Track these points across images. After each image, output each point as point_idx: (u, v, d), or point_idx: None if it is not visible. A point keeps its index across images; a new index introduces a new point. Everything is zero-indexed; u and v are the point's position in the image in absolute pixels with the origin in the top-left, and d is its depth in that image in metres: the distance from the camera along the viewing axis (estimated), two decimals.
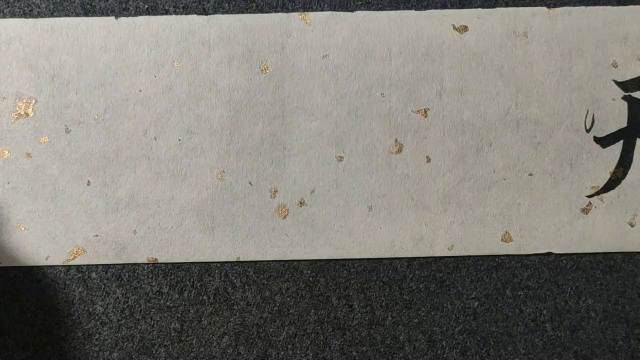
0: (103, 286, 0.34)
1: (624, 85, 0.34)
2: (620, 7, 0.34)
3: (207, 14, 0.33)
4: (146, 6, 0.34)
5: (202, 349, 0.34)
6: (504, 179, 0.34)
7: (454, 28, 0.34)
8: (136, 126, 0.33)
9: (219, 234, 0.34)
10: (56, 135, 0.33)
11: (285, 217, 0.34)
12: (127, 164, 0.33)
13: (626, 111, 0.34)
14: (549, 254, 0.34)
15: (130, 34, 0.33)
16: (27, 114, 0.33)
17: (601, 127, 0.34)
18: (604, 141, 0.34)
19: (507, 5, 0.34)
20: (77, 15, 0.33)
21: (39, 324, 0.34)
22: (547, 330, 0.34)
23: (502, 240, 0.34)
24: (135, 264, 0.34)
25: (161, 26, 0.33)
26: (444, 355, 0.34)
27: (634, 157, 0.34)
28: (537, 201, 0.34)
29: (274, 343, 0.34)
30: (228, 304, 0.34)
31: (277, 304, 0.34)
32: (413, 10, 0.34)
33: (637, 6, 0.34)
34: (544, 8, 0.34)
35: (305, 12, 0.33)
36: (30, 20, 0.33)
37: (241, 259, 0.34)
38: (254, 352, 0.34)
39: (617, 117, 0.34)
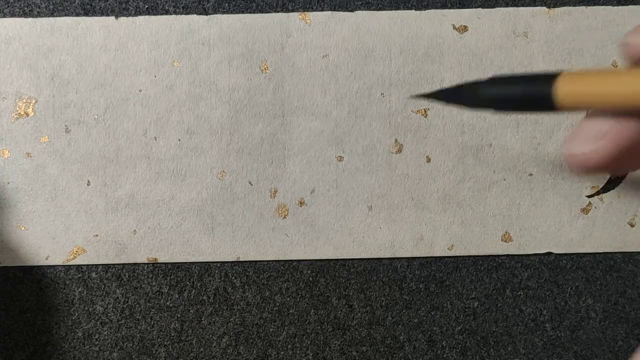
0: (103, 286, 0.34)
1: None
2: (620, 7, 0.34)
3: (207, 14, 0.33)
4: (146, 6, 0.34)
5: (202, 348, 0.34)
6: (504, 179, 0.34)
7: (454, 28, 0.34)
8: (136, 126, 0.33)
9: (219, 234, 0.34)
10: (56, 135, 0.33)
11: (285, 217, 0.34)
12: (127, 164, 0.33)
13: None
14: (549, 254, 0.34)
15: (130, 34, 0.33)
16: (27, 114, 0.33)
17: None
18: None
19: (507, 5, 0.34)
20: (77, 15, 0.33)
21: (39, 324, 0.34)
22: (547, 330, 0.34)
23: (502, 240, 0.34)
24: (135, 264, 0.34)
25: (161, 26, 0.33)
26: (444, 355, 0.34)
27: None
28: (537, 201, 0.34)
29: (273, 343, 0.34)
30: (228, 303, 0.34)
31: (277, 304, 0.34)
32: (413, 10, 0.34)
33: (637, 6, 0.34)
34: (544, 8, 0.34)
35: (305, 12, 0.33)
36: (30, 20, 0.33)
37: (241, 259, 0.34)
38: (254, 351, 0.34)
39: None
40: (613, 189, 0.34)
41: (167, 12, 0.34)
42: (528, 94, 0.25)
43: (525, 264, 0.34)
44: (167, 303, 0.34)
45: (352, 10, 0.34)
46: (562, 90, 0.24)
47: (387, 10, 0.34)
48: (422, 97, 0.30)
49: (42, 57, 0.33)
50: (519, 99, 0.26)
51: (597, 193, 0.34)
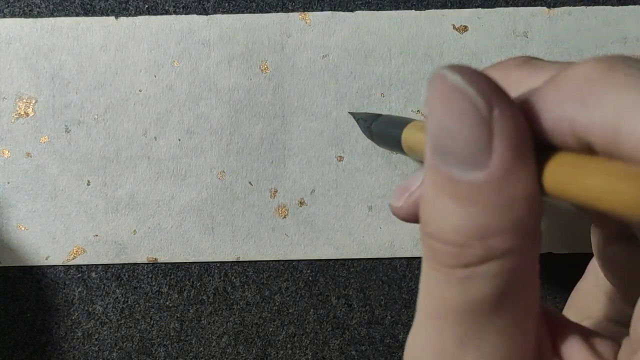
0: (103, 286, 0.34)
1: None
2: (620, 7, 0.34)
3: (207, 14, 0.33)
4: (146, 6, 0.34)
5: (201, 348, 0.34)
6: None
7: (454, 28, 0.34)
8: (136, 126, 0.33)
9: (218, 234, 0.34)
10: (56, 135, 0.33)
11: (285, 217, 0.34)
12: (127, 164, 0.33)
13: None
14: (549, 254, 0.34)
15: (130, 34, 0.33)
16: (27, 114, 0.33)
17: None
18: None
19: (507, 5, 0.34)
20: (77, 15, 0.33)
21: (39, 324, 0.34)
22: None
23: None
24: (135, 263, 0.34)
25: (161, 26, 0.33)
26: None
27: None
28: None
29: (273, 342, 0.34)
30: (227, 303, 0.34)
31: (277, 304, 0.34)
32: (413, 10, 0.34)
33: (637, 6, 0.34)
34: (544, 8, 0.34)
35: (305, 12, 0.33)
36: (30, 20, 0.33)
37: (241, 259, 0.34)
38: (254, 351, 0.34)
39: None
40: None
41: (167, 12, 0.34)
42: (393, 137, 0.27)
43: None
44: (167, 303, 0.34)
45: (352, 10, 0.34)
46: (404, 137, 0.26)
47: (387, 10, 0.34)
48: (352, 115, 0.33)
49: (42, 57, 0.33)
50: (390, 141, 0.28)
51: None
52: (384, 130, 0.30)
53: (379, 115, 0.31)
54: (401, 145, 0.26)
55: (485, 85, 0.14)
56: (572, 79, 0.14)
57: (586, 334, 0.17)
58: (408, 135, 0.26)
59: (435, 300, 0.16)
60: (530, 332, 0.16)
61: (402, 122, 0.27)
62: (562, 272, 0.34)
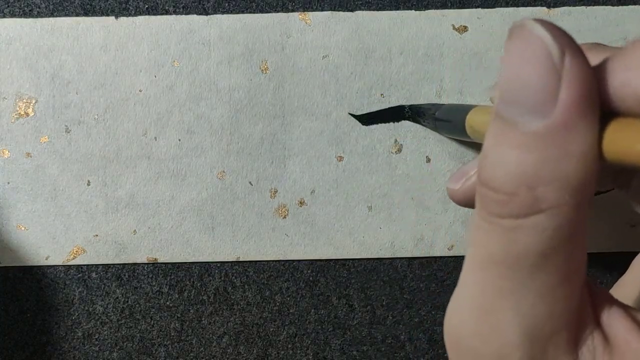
0: (103, 286, 0.34)
1: None
2: (620, 7, 0.34)
3: (207, 14, 0.33)
4: (146, 6, 0.34)
5: (202, 348, 0.34)
6: None
7: (454, 28, 0.34)
8: (136, 126, 0.33)
9: (219, 234, 0.34)
10: (56, 135, 0.33)
11: (285, 217, 0.34)
12: (127, 164, 0.33)
13: None
14: None
15: (130, 34, 0.33)
16: (27, 114, 0.33)
17: None
18: None
19: (507, 5, 0.34)
20: (77, 15, 0.33)
21: (39, 324, 0.34)
22: None
23: None
24: (135, 263, 0.34)
25: (161, 26, 0.33)
26: (445, 355, 0.34)
27: None
28: None
29: (274, 343, 0.34)
30: (228, 303, 0.34)
31: (277, 304, 0.34)
32: (413, 11, 0.34)
33: (637, 6, 0.34)
34: (544, 8, 0.34)
35: (305, 12, 0.33)
36: (30, 20, 0.33)
37: (241, 259, 0.34)
38: (254, 351, 0.34)
39: None
40: (605, 193, 0.34)
41: (167, 12, 0.34)
42: (456, 121, 0.28)
43: None
44: (167, 303, 0.34)
45: (352, 10, 0.34)
46: (469, 119, 0.26)
47: (387, 10, 0.34)
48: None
49: (42, 57, 0.33)
50: (453, 126, 0.28)
51: (598, 193, 0.34)
52: (448, 116, 0.30)
53: (442, 105, 0.32)
54: (464, 130, 0.27)
55: (560, 34, 0.15)
56: (637, 49, 0.15)
57: (629, 309, 0.17)
58: (473, 118, 0.26)
59: (481, 251, 0.16)
60: (572, 296, 0.16)
61: (466, 108, 0.27)
62: None
